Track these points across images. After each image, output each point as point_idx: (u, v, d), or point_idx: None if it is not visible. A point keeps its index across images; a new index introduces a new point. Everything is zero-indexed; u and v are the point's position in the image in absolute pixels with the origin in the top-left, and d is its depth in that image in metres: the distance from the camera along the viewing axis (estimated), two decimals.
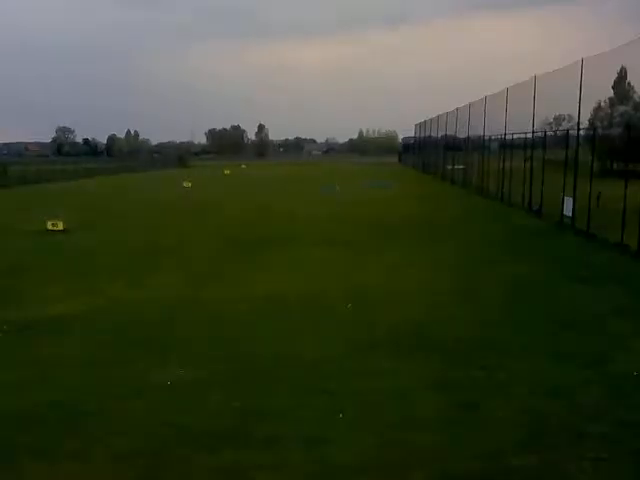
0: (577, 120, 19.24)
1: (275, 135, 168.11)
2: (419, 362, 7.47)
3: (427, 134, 56.01)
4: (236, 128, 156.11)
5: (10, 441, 5.70)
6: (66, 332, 9.02)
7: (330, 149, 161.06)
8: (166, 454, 5.39)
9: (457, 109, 39.40)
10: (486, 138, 31.72)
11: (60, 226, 19.48)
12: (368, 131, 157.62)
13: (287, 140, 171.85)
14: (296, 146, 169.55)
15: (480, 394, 6.52)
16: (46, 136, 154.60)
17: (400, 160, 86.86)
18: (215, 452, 5.38)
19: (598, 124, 25.81)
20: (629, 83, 25.25)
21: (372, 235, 17.88)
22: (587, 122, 20.76)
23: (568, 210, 18.42)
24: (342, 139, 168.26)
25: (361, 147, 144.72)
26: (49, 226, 19.37)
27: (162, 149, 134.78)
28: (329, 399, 6.45)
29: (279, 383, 6.93)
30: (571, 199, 18.27)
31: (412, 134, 73.08)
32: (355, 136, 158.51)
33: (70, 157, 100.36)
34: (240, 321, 9.39)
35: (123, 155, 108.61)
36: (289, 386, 6.83)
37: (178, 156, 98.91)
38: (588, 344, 8.04)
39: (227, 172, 63.33)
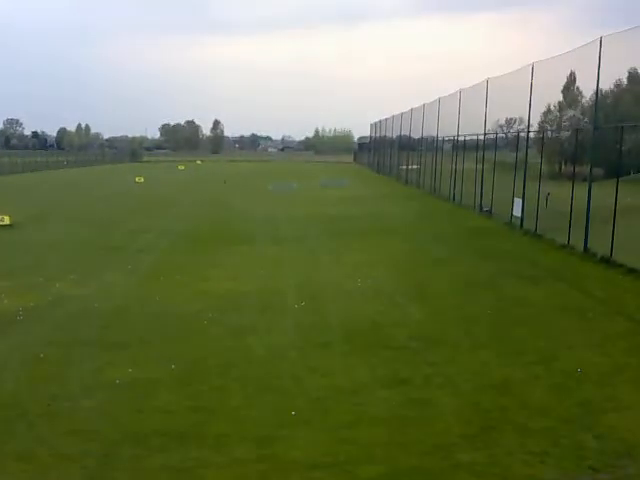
0: (527, 123, 19.75)
1: (231, 131, 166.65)
2: (372, 360, 7.54)
3: (382, 134, 56.48)
4: (191, 123, 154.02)
5: None
6: (11, 329, 8.76)
7: (286, 147, 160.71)
8: (116, 454, 5.30)
9: (412, 109, 39.88)
10: (439, 139, 32.21)
11: (6, 221, 18.89)
12: (324, 130, 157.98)
13: (243, 137, 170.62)
14: (252, 143, 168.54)
15: (430, 390, 6.63)
16: None
17: (355, 159, 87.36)
18: (165, 451, 5.32)
19: (548, 127, 26.55)
20: (578, 88, 26.02)
21: (326, 234, 17.96)
22: (537, 125, 21.36)
23: (517, 211, 18.88)
24: (298, 137, 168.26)
25: (317, 146, 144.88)
26: None
27: (114, 143, 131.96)
28: (281, 397, 6.45)
29: (231, 381, 6.89)
30: (520, 200, 18.73)
31: (367, 134, 73.71)
32: (311, 134, 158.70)
33: (18, 150, 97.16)
34: (192, 319, 9.28)
35: (74, 149, 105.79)
36: (241, 384, 6.80)
37: (131, 151, 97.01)
38: (535, 341, 8.27)
39: (181, 168, 62.55)
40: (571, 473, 4.95)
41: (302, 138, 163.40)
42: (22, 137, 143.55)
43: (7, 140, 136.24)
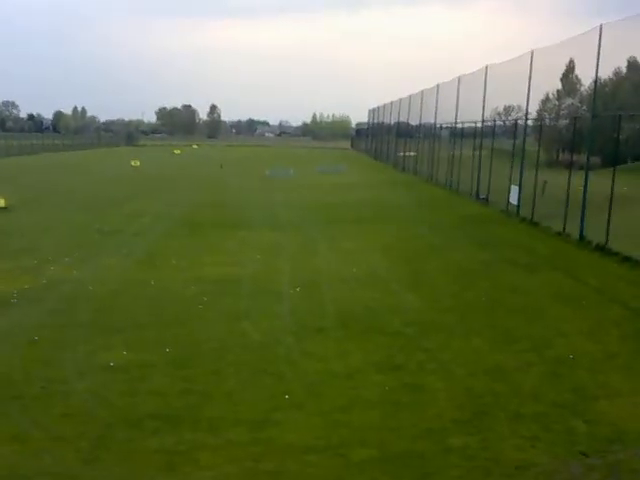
0: (525, 111, 19.69)
1: (228, 116, 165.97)
2: (366, 345, 7.57)
3: (380, 120, 56.28)
4: (187, 107, 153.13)
5: None
6: (5, 312, 8.75)
7: (283, 132, 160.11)
8: (109, 437, 5.32)
9: (410, 96, 39.69)
10: (437, 126, 32.10)
11: (2, 203, 18.81)
12: (322, 115, 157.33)
13: (240, 121, 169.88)
14: (249, 128, 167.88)
15: (424, 376, 6.66)
16: None
17: (352, 146, 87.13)
18: (159, 434, 5.34)
19: (546, 115, 26.46)
20: (577, 76, 25.93)
21: (322, 220, 17.95)
22: (535, 113, 21.28)
23: (514, 198, 18.88)
24: (295, 122, 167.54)
25: (314, 131, 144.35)
26: None
27: (110, 127, 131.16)
28: (276, 381, 6.47)
29: (226, 365, 6.90)
30: (517, 188, 18.73)
31: (365, 120, 73.40)
32: (309, 120, 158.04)
33: (14, 133, 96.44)
34: (188, 303, 9.29)
35: (70, 132, 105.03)
36: (235, 368, 6.82)
37: (127, 134, 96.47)
38: (529, 329, 8.30)
39: (177, 152, 62.24)
40: (562, 458, 4.98)
41: (300, 124, 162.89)
42: (18, 120, 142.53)
43: (3, 122, 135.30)
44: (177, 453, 5.05)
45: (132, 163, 40.15)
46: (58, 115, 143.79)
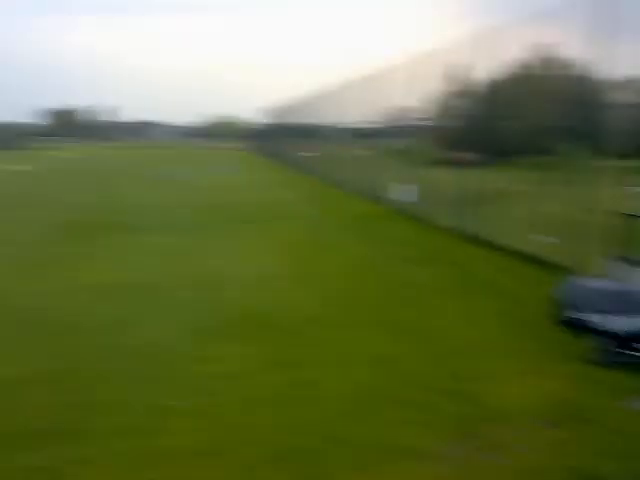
0: (418, 112, 20.43)
1: (123, 117, 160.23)
2: (259, 344, 7.54)
3: (279, 121, 56.39)
4: (77, 109, 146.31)
5: None
6: None
7: (180, 133, 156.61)
8: None
9: (308, 97, 40.09)
10: (334, 127, 32.61)
11: None
12: (220, 116, 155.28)
13: (136, 123, 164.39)
14: (145, 128, 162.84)
15: (315, 371, 6.72)
16: None
17: (249, 147, 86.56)
18: (31, 450, 5.04)
19: (437, 116, 27.64)
20: (468, 78, 27.21)
21: (216, 221, 17.74)
22: (428, 113, 22.09)
23: (404, 196, 19.54)
24: (192, 123, 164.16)
25: (210, 131, 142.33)
26: None
27: None
28: (163, 387, 6.30)
29: (109, 374, 6.63)
30: (408, 186, 19.39)
31: (264, 120, 73.18)
32: (206, 120, 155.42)
33: None
34: (64, 313, 8.77)
35: None
36: (119, 377, 6.56)
37: (5, 137, 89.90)
38: (418, 321, 8.60)
39: (66, 155, 59.39)
40: (447, 440, 5.19)
41: (197, 124, 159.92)
42: None
43: None
44: (50, 470, 4.78)
45: (13, 167, 37.85)
46: None
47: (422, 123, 21.56)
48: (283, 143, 53.08)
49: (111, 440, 5.21)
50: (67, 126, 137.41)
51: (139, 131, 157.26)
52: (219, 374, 6.63)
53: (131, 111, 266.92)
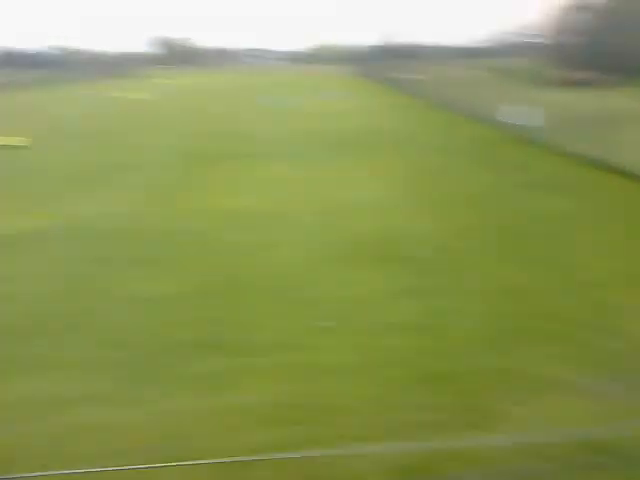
0: (533, 28, 19.11)
1: (223, 43, 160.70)
2: (391, 271, 7.68)
3: (385, 43, 54.57)
4: (188, 37, 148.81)
5: None
6: (23, 249, 8.86)
7: (286, 58, 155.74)
8: (152, 363, 5.50)
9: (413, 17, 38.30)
10: (441, 47, 31.21)
11: (20, 142, 18.74)
12: (324, 40, 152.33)
13: (245, 49, 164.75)
14: (255, 55, 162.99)
15: (443, 298, 6.78)
16: None
17: (356, 71, 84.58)
18: (200, 360, 5.51)
19: (552, 33, 25.71)
20: None
21: (327, 149, 17.75)
22: (541, 31, 20.66)
23: (523, 119, 18.58)
24: (299, 47, 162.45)
25: (317, 57, 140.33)
26: (6, 142, 18.64)
27: (107, 59, 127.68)
28: (309, 308, 6.60)
29: (250, 295, 7.01)
30: (525, 108, 18.39)
31: (370, 43, 71.05)
32: (313, 44, 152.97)
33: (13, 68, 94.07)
34: (208, 234, 9.37)
35: (68, 65, 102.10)
36: (260, 298, 6.93)
37: (124, 66, 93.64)
38: (553, 250, 8.38)
39: (180, 82, 61.01)
40: (599, 376, 5.14)
41: (304, 48, 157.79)
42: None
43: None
44: (219, 376, 5.23)
45: (133, 95, 39.44)
46: (58, 49, 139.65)
47: (537, 40, 20.21)
48: (389, 66, 51.58)
49: (269, 354, 5.62)
50: (178, 55, 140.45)
51: (246, 58, 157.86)
52: (358, 298, 6.86)
53: (237, 38, 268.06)
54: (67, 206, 11.25)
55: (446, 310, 6.50)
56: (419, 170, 14.50)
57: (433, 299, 6.80)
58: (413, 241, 8.88)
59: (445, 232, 9.33)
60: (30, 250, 8.81)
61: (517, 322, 6.18)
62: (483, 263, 7.94)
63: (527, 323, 6.15)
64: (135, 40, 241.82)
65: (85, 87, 55.82)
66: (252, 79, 71.38)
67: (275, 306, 6.70)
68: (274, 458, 4.05)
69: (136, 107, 33.98)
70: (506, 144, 18.19)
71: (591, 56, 17.06)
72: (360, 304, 6.70)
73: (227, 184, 13.10)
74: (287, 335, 6.00)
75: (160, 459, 4.02)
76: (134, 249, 8.78)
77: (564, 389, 4.93)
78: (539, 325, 6.09)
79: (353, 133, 20.98)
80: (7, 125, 23.37)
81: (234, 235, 9.37)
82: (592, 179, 13.02)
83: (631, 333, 5.85)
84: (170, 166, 15.35)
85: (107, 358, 5.62)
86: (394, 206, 10.97)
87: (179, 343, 5.86)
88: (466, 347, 5.67)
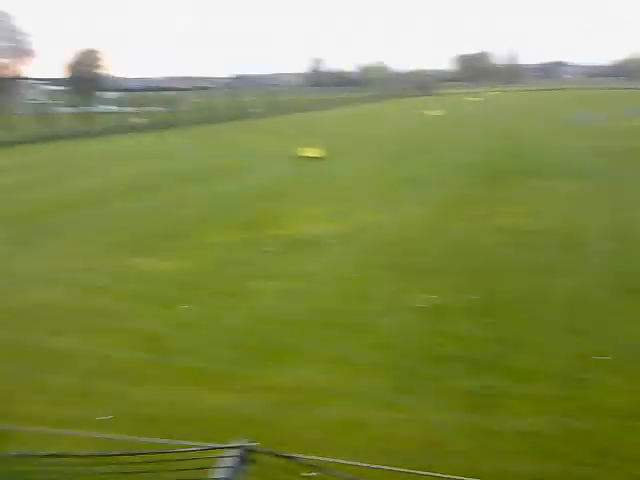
0: None
1: (528, 59, 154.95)
2: None
3: None
4: (483, 54, 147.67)
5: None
6: (323, 251, 9.73)
7: (590, 73, 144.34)
8: (418, 371, 5.62)
9: None
10: None
11: (317, 153, 20.61)
12: (634, 53, 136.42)
13: (542, 64, 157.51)
14: (551, 70, 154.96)
15: None
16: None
17: None
18: (464, 376, 5.45)
19: None
20: None
21: (632, 171, 15.94)
22: None
23: None
24: (606, 61, 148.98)
25: (632, 71, 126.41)
26: (304, 153, 20.71)
27: (406, 77, 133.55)
28: (584, 339, 6.09)
29: (529, 318, 6.71)
30: None
31: None
32: (624, 57, 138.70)
33: (322, 87, 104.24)
34: (487, 253, 9.21)
35: (369, 84, 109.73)
36: (541, 323, 6.58)
37: (421, 83, 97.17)
38: None
39: (473, 99, 61.12)
40: None
41: (611, 62, 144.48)
42: (327, 74, 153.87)
43: (314, 78, 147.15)
44: (483, 396, 5.12)
45: (429, 112, 40.62)
46: (358, 68, 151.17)
47: None
48: None
49: (540, 381, 5.31)
50: (472, 71, 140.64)
51: (542, 73, 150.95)
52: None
53: (532, 53, 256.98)
54: (359, 214, 12.10)
55: None
56: None
57: None
58: None
59: None
60: (329, 252, 9.68)
61: None
62: None
63: None
64: (435, 58, 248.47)
65: (384, 105, 59.41)
66: (553, 94, 67.95)
67: (556, 334, 6.31)
68: None
69: (432, 123, 34.98)
70: None
71: None
72: None
73: (525, 202, 12.70)
74: (561, 366, 5.59)
75: (424, 467, 3.98)
76: (421, 259, 9.06)
77: None
78: None
79: None
80: (309, 138, 25.78)
81: (525, 254, 9.07)
82: None
83: None
84: (456, 182, 15.47)
85: (377, 360, 5.89)
86: None
87: (452, 357, 5.86)
88: None
